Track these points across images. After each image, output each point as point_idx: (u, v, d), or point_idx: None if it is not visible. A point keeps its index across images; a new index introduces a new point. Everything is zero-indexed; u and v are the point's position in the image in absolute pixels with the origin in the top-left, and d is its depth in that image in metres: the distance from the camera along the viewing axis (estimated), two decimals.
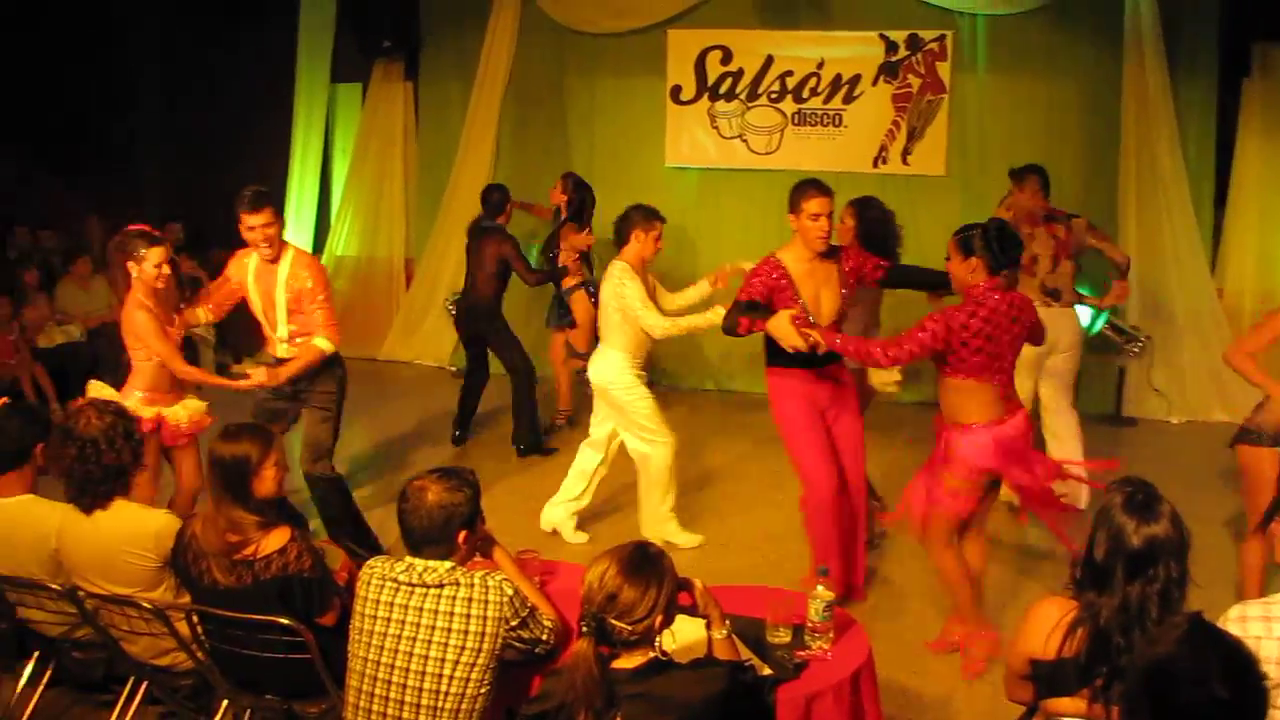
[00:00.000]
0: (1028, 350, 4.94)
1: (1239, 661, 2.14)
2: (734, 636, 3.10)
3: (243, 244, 5.57)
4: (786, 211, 5.00)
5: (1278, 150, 8.63)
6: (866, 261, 5.15)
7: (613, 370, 5.82)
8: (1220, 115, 8.72)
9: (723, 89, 9.42)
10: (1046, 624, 2.95)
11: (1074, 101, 8.89)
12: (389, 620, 3.08)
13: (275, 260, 5.45)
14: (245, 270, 5.58)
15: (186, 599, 3.71)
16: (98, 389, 5.25)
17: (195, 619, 3.60)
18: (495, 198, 7.74)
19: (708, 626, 3.05)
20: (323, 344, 5.49)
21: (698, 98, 9.49)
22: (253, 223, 5.33)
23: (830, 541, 5.09)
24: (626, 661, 2.70)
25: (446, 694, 3.03)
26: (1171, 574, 2.85)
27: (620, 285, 5.70)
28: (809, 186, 4.93)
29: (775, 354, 4.97)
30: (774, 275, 4.92)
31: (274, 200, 5.51)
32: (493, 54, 9.82)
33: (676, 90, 9.52)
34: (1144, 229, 8.67)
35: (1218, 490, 6.83)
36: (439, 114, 10.26)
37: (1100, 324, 8.63)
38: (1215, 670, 2.08)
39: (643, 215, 5.89)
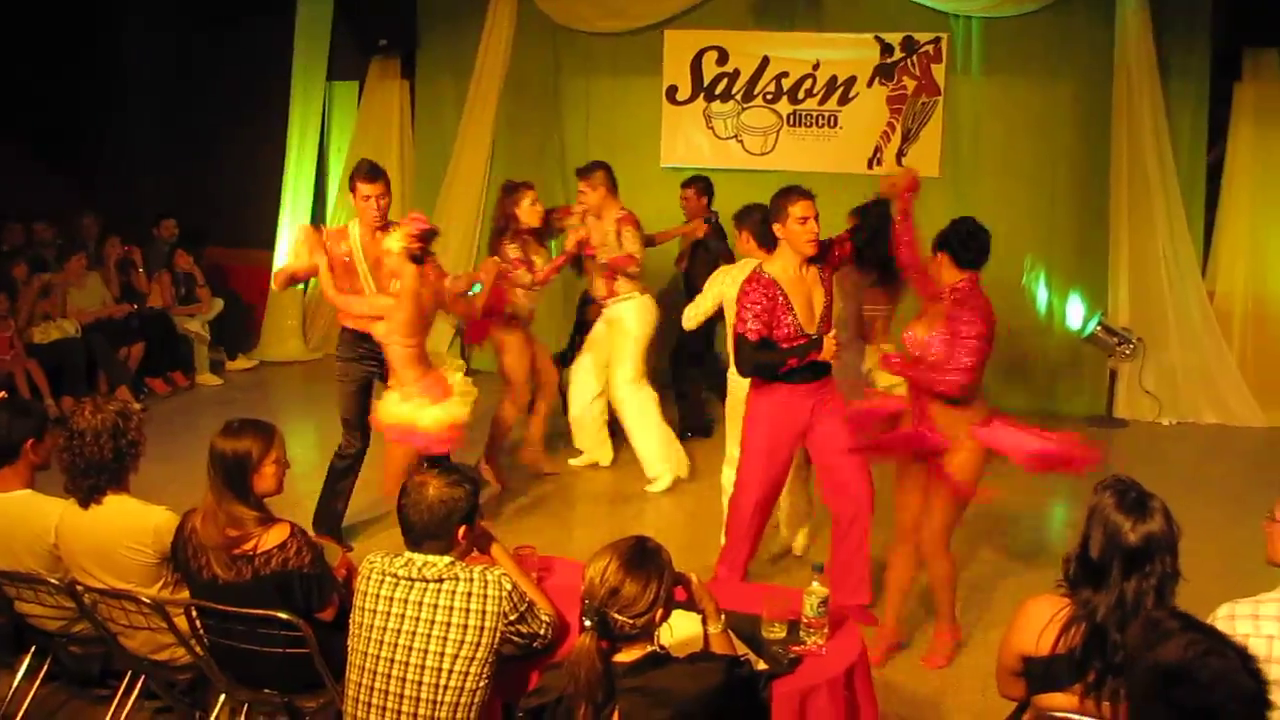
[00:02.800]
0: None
1: (1248, 653, 2.17)
2: (729, 631, 3.13)
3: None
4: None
5: (1268, 154, 8.67)
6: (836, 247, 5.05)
7: None
8: (1212, 119, 8.78)
9: (718, 89, 9.44)
10: (1039, 621, 2.98)
11: (1067, 104, 8.94)
12: (388, 615, 3.10)
13: (385, 229, 5.69)
14: (352, 242, 5.78)
15: (185, 594, 3.73)
16: None
17: (194, 613, 3.62)
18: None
19: (704, 621, 3.08)
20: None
21: (693, 98, 9.52)
22: (368, 191, 5.66)
23: (738, 535, 5.15)
24: (625, 655, 2.73)
25: (446, 687, 3.05)
26: (1166, 569, 2.90)
27: None
28: (790, 192, 4.89)
29: None
30: (769, 294, 4.82)
31: (388, 174, 5.86)
32: (489, 52, 9.81)
33: (672, 90, 9.54)
34: (1135, 231, 8.72)
35: (1208, 490, 6.90)
36: (435, 112, 10.27)
37: (1092, 326, 8.69)
38: (1238, 665, 2.11)
39: None
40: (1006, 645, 3.10)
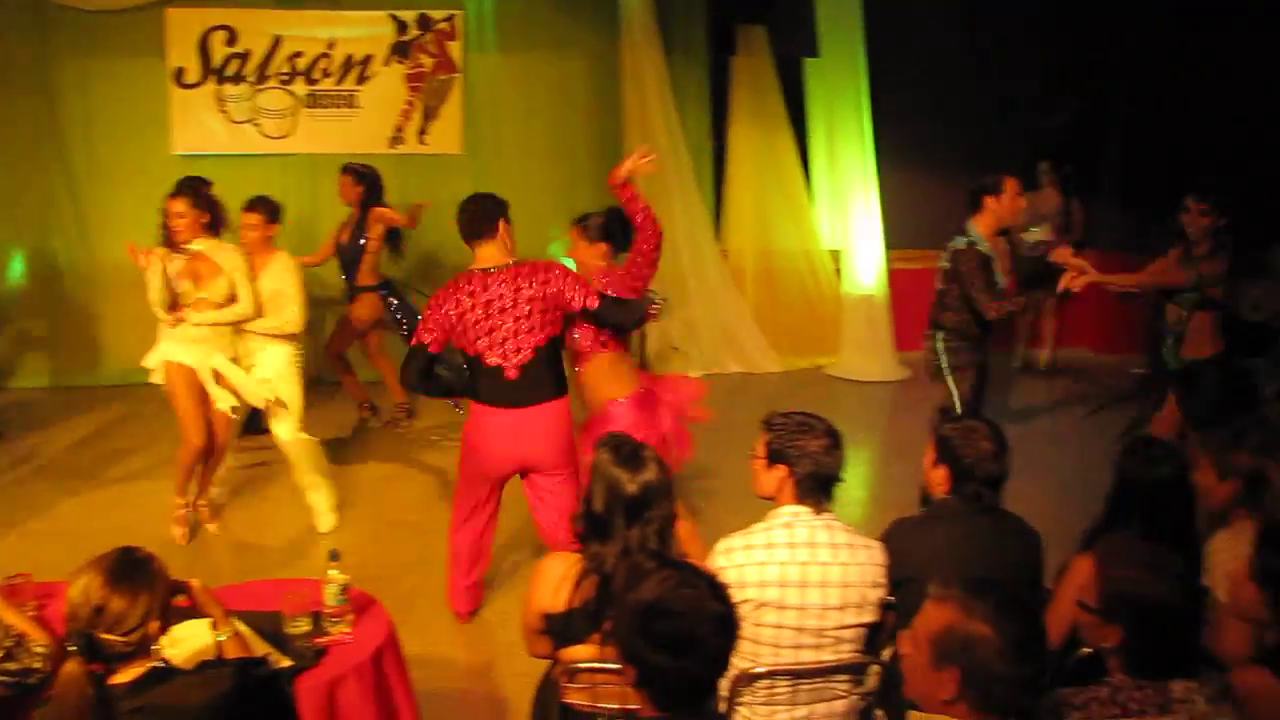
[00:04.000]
0: None
1: (718, 582, 2.35)
2: (242, 634, 3.01)
3: None
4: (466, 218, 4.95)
5: (763, 121, 9.48)
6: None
7: None
8: (713, 91, 9.46)
9: (230, 71, 8.99)
10: (553, 578, 3.10)
11: (580, 81, 9.32)
12: None
13: None
14: None
15: None
16: None
17: None
18: None
19: (213, 628, 2.94)
20: None
21: (204, 81, 8.99)
22: None
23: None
24: (123, 676, 2.55)
25: None
26: (665, 513, 3.09)
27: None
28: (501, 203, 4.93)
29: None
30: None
31: None
32: None
33: (180, 73, 8.97)
34: (651, 198, 9.03)
35: (730, 434, 7.38)
36: None
37: None
38: (706, 593, 2.27)
39: None
40: (528, 605, 3.20)
